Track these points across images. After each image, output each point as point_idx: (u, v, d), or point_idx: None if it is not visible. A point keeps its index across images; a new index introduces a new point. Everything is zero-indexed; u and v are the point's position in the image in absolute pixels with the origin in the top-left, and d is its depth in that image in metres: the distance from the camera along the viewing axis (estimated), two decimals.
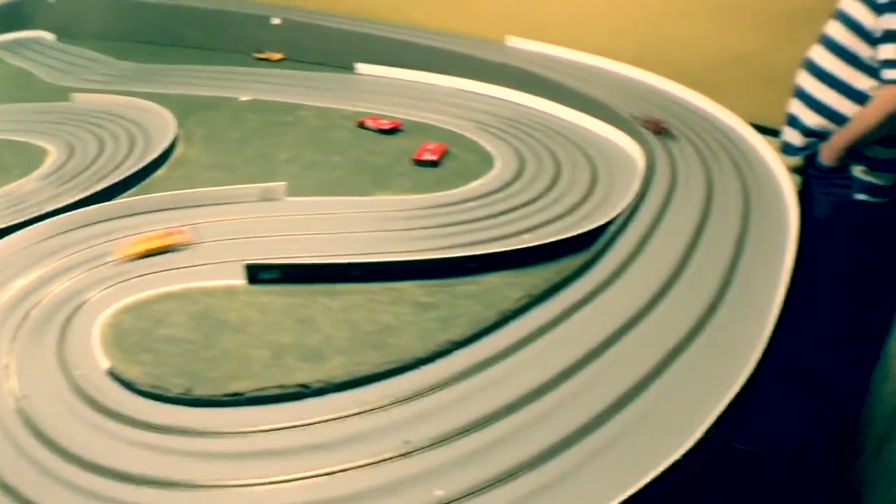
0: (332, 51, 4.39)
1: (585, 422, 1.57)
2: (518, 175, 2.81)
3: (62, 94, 4.24)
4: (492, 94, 3.70)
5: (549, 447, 1.51)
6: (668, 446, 1.48)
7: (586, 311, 1.92)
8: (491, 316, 1.84)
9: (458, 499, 1.37)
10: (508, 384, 1.65)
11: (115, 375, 1.74)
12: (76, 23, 6.16)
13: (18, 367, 1.82)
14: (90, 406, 1.67)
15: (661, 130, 2.94)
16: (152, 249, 2.30)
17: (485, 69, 3.79)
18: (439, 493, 1.38)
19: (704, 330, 1.85)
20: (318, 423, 1.56)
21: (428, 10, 4.35)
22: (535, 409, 1.59)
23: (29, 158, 3.27)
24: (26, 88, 4.55)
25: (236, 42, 4.86)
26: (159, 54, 5.01)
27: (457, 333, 1.80)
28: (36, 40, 6.19)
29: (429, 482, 1.41)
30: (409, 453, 1.47)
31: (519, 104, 3.57)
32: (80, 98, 4.06)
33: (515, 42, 3.99)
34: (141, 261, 2.27)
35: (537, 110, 3.48)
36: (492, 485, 1.41)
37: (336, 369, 1.72)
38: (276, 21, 4.63)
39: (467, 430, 1.54)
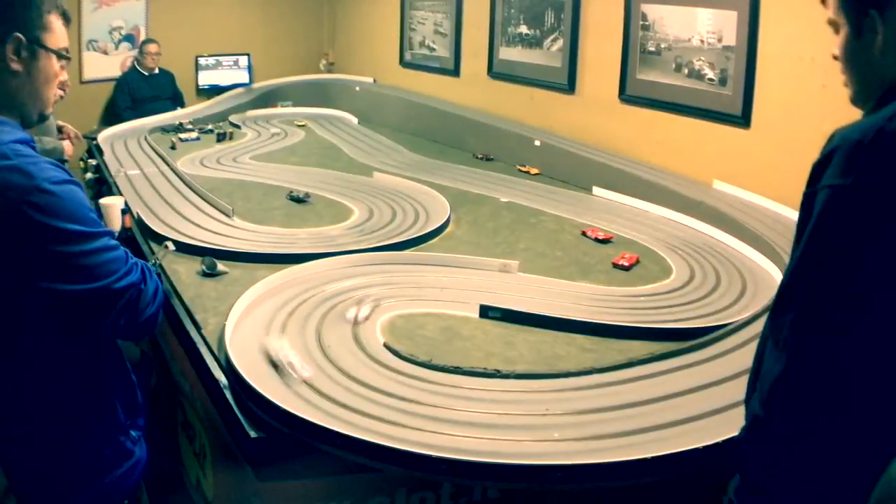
0: (577, 173, 5.40)
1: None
2: (685, 285, 3.66)
3: (364, 170, 5.51)
4: (688, 225, 4.52)
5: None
6: None
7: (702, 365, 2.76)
8: (623, 359, 2.79)
9: (568, 440, 2.33)
10: (625, 392, 2.58)
11: (387, 346, 2.85)
12: (375, 111, 7.54)
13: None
14: (370, 359, 2.78)
15: None
16: None
17: (686, 204, 4.62)
18: (556, 435, 2.34)
19: None
20: (500, 390, 2.57)
21: (654, 150, 5.26)
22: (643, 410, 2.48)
23: (337, 212, 4.52)
24: (336, 159, 5.89)
25: (505, 154, 5.98)
26: (442, 153, 6.24)
27: (599, 364, 2.77)
28: (340, 119, 7.65)
29: (551, 429, 2.36)
30: (545, 414, 2.44)
31: (707, 234, 4.36)
32: (378, 176, 5.29)
33: (720, 185, 4.77)
34: (413, 289, 3.40)
35: (718, 241, 4.26)
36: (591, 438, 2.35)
37: (518, 368, 2.73)
38: (537, 143, 5.72)
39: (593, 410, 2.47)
